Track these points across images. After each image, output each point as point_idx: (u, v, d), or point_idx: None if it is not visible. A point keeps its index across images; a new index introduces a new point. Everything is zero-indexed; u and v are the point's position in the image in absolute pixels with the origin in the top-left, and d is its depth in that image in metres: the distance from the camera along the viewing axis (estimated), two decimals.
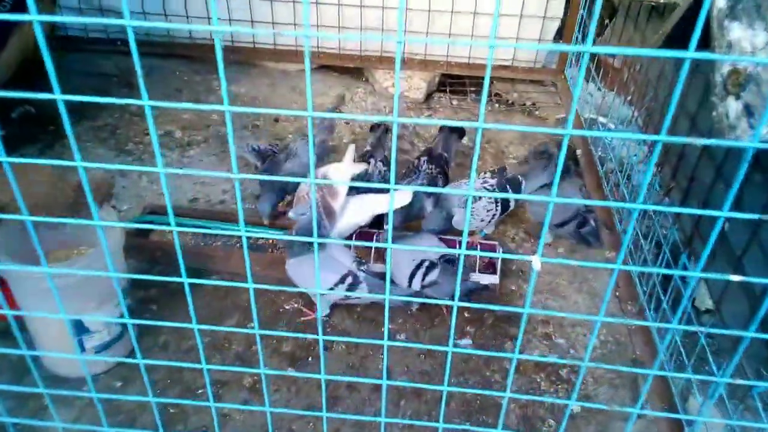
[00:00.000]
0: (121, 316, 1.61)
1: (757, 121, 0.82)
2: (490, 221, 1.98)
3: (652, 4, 1.68)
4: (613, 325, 1.79)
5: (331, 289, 1.70)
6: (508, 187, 1.99)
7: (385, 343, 0.83)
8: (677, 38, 1.08)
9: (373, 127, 2.25)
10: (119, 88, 2.75)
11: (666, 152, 1.58)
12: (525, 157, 2.32)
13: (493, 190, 1.95)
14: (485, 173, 2.03)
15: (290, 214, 1.80)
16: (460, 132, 2.26)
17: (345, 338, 1.71)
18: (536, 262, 0.82)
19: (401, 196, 1.86)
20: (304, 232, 1.75)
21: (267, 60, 2.95)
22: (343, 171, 1.91)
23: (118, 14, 2.85)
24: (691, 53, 0.64)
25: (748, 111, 0.85)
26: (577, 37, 2.67)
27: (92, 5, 2.85)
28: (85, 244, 1.67)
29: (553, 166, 2.00)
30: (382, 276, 1.71)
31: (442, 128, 2.25)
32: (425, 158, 2.07)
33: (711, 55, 0.65)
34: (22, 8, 2.07)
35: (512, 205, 2.01)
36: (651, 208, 0.68)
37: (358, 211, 1.90)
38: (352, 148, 2.00)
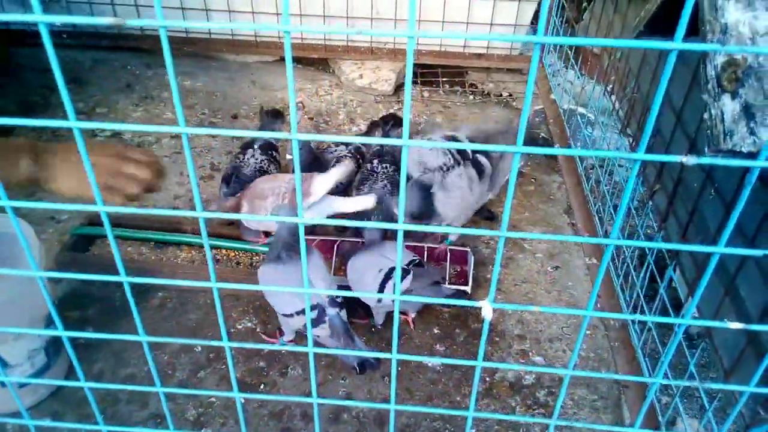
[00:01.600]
0: (46, 346, 1.44)
1: (759, 125, 0.66)
2: (471, 201, 1.80)
3: None
4: (595, 339, 1.64)
5: (290, 315, 1.52)
6: (477, 158, 1.81)
7: (394, 356, 0.67)
8: (661, 22, 0.92)
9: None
10: (66, 83, 2.54)
11: (650, 150, 1.42)
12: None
13: (456, 162, 1.76)
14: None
15: (267, 212, 1.66)
16: (396, 119, 2.14)
17: (366, 349, 1.54)
18: (486, 309, 0.66)
19: (365, 200, 1.72)
20: (287, 236, 1.58)
21: (224, 51, 2.75)
22: (326, 184, 1.72)
23: (59, 2, 2.65)
24: (678, 44, 0.48)
25: (748, 112, 0.69)
26: (555, 22, 2.50)
27: None
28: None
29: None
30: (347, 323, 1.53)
31: (374, 123, 2.17)
32: (376, 160, 1.92)
33: (703, 46, 0.49)
34: None
35: (487, 170, 1.83)
36: (636, 245, 0.52)
37: (320, 213, 1.74)
38: (338, 168, 1.80)
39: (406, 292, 1.57)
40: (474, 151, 1.78)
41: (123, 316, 1.69)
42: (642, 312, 1.39)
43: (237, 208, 1.77)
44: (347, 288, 1.67)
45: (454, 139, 1.82)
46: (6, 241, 1.45)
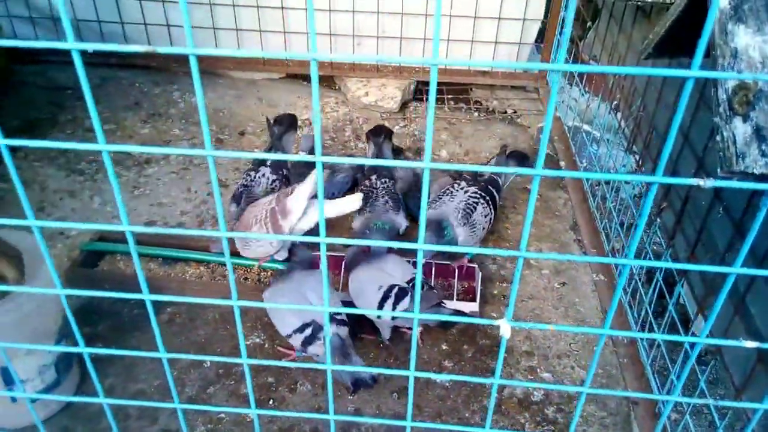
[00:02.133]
0: (56, 362, 1.45)
1: None
2: (488, 228, 1.85)
3: (638, 3, 1.54)
4: (603, 355, 1.64)
5: (289, 335, 1.54)
6: (490, 187, 1.86)
7: (411, 373, 0.68)
8: (670, 44, 0.94)
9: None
10: (74, 101, 2.57)
11: (656, 168, 1.44)
12: (493, 157, 2.16)
13: (481, 196, 1.82)
14: (458, 182, 1.88)
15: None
16: (388, 134, 2.18)
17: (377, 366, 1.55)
18: (504, 327, 0.67)
19: (351, 201, 1.74)
20: (303, 257, 1.65)
21: (231, 68, 2.78)
22: (303, 198, 1.73)
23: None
24: (695, 71, 0.50)
25: (759, 135, 0.70)
26: (558, 41, 2.53)
27: (44, 14, 2.67)
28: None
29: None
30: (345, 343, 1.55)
31: (368, 137, 2.18)
32: (374, 176, 1.95)
33: (720, 74, 0.50)
34: None
35: (498, 201, 1.91)
36: (656, 265, 0.54)
37: (301, 227, 1.76)
38: (310, 178, 1.83)
39: (406, 310, 1.58)
40: (491, 184, 1.84)
41: (132, 331, 1.70)
42: (651, 328, 1.39)
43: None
44: (352, 304, 1.68)
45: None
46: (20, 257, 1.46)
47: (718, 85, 0.74)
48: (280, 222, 1.70)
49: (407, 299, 1.58)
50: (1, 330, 1.28)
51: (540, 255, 0.57)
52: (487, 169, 0.55)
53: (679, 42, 0.93)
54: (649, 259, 1.49)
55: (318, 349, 1.51)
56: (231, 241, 1.88)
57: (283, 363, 0.70)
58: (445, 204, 1.80)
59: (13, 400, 1.43)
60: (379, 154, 2.08)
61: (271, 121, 2.11)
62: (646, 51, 0.99)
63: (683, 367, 1.33)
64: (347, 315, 1.57)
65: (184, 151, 0.58)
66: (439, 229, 1.72)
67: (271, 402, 1.55)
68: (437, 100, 2.75)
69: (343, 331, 1.53)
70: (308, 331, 1.50)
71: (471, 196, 1.81)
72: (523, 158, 2.02)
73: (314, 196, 1.70)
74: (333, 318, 1.52)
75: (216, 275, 1.88)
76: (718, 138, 0.73)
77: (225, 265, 1.89)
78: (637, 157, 1.61)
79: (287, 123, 2.08)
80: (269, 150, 2.03)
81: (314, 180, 1.74)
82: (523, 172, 0.55)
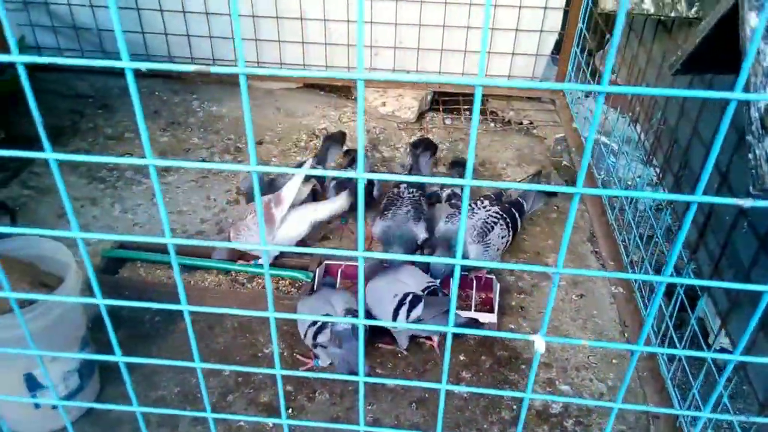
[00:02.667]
0: (80, 368, 1.47)
1: None
2: (503, 249, 1.86)
3: (660, 17, 1.55)
4: (623, 369, 1.64)
5: (305, 334, 1.58)
6: (513, 210, 1.87)
7: (443, 386, 0.68)
8: (697, 61, 0.95)
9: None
10: (94, 109, 2.60)
11: (677, 181, 1.44)
12: (527, 176, 2.19)
13: (501, 216, 1.83)
14: (481, 200, 1.90)
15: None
16: (432, 149, 2.19)
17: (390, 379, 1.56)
18: (539, 343, 0.68)
19: (341, 201, 1.83)
20: (326, 282, 1.79)
21: (249, 78, 2.80)
22: (294, 187, 1.81)
23: (91, 31, 2.72)
24: (738, 94, 0.50)
25: None
26: (575, 52, 2.54)
27: (65, 23, 2.71)
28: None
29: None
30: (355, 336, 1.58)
31: (411, 149, 2.20)
32: (403, 185, 1.96)
33: (762, 96, 0.51)
34: None
35: (519, 225, 1.91)
36: (695, 283, 0.54)
37: (295, 225, 1.84)
38: (308, 162, 1.98)
39: (419, 319, 1.59)
40: (515, 206, 1.86)
41: (153, 338, 1.72)
42: (671, 342, 1.39)
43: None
44: (368, 311, 1.70)
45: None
46: (45, 263, 1.49)
47: (750, 104, 0.74)
48: (273, 210, 1.79)
49: (421, 306, 1.59)
50: (25, 337, 1.29)
51: (577, 271, 0.57)
52: (534, 187, 0.56)
53: (707, 59, 0.94)
54: (671, 273, 1.49)
55: (324, 338, 1.56)
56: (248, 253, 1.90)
57: (318, 375, 0.71)
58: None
59: (36, 406, 1.45)
60: (415, 166, 2.10)
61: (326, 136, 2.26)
62: (674, 67, 1.00)
63: (710, 383, 1.32)
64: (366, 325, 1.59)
65: (232, 167, 0.60)
66: (448, 248, 1.75)
67: (290, 410, 1.56)
68: (453, 110, 2.76)
69: (357, 331, 1.56)
70: (319, 323, 1.57)
71: (491, 216, 1.82)
72: (551, 195, 2.06)
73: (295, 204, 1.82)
74: (351, 314, 1.58)
75: (235, 284, 1.89)
76: (750, 156, 0.74)
77: (240, 273, 1.90)
78: (657, 170, 1.61)
79: (334, 139, 2.22)
80: (318, 163, 2.11)
81: (300, 176, 1.83)
82: (564, 190, 0.56)
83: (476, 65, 2.72)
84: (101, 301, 0.72)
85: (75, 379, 1.45)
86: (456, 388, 0.70)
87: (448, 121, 2.70)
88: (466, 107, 2.77)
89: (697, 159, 1.32)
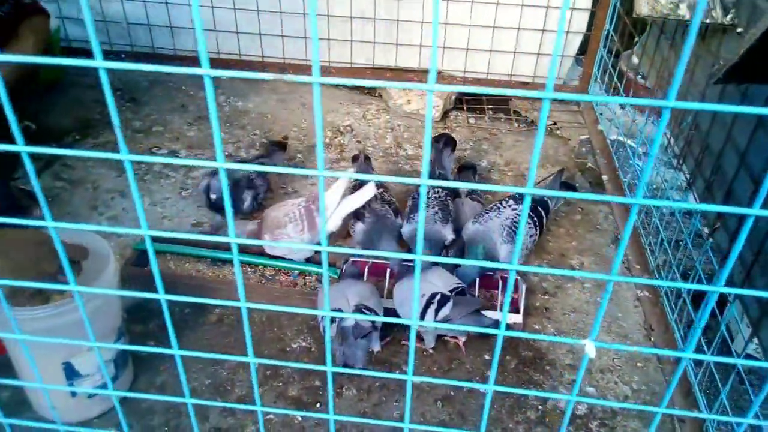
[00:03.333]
0: (115, 358, 1.50)
1: None
2: (531, 248, 1.88)
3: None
4: (647, 373, 1.65)
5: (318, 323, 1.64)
6: (539, 208, 1.89)
7: (490, 387, 0.71)
8: (740, 71, 0.96)
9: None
10: (123, 102, 2.64)
11: (709, 187, 1.45)
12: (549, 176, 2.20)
13: (528, 216, 1.84)
14: (506, 199, 1.91)
15: (290, 238, 1.80)
16: (452, 144, 2.19)
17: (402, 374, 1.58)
18: (590, 347, 0.70)
19: (367, 192, 1.86)
20: (351, 271, 1.79)
21: (276, 71, 2.83)
22: (338, 193, 1.86)
23: (120, 23, 2.75)
24: None
25: None
26: (602, 55, 2.54)
27: (94, 15, 2.74)
28: (81, 280, 1.57)
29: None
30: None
31: (433, 144, 2.18)
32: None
33: None
34: (12, 27, 1.95)
35: (545, 222, 1.93)
36: (744, 293, 0.55)
37: (331, 221, 1.86)
38: (344, 179, 1.92)
39: (447, 318, 1.61)
40: (540, 205, 1.87)
41: (183, 329, 1.75)
42: (700, 348, 1.40)
43: (258, 235, 1.86)
44: (393, 311, 1.72)
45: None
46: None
47: None
48: (317, 218, 1.82)
49: (449, 305, 1.61)
50: (70, 327, 1.32)
51: (630, 279, 0.59)
52: (592, 197, 0.57)
53: (748, 69, 0.95)
54: (698, 278, 1.50)
55: (332, 332, 1.60)
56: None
57: (373, 373, 0.73)
58: (492, 220, 1.82)
59: (73, 394, 1.48)
60: (437, 162, 2.10)
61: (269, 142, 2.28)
62: (716, 76, 1.00)
63: (734, 389, 1.33)
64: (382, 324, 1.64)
65: (296, 170, 0.61)
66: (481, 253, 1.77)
67: (318, 405, 1.58)
68: (477, 109, 2.77)
69: (365, 323, 1.58)
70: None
71: (519, 215, 1.84)
72: (571, 188, 2.06)
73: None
74: (360, 311, 1.60)
75: (263, 279, 1.92)
76: None
77: (267, 267, 1.93)
78: (687, 175, 1.62)
79: (280, 146, 2.26)
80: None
81: (345, 180, 1.87)
82: (622, 200, 0.58)
83: (503, 64, 2.73)
84: (162, 296, 0.74)
85: (111, 369, 1.49)
86: (505, 389, 0.72)
87: (472, 120, 2.71)
88: (490, 107, 2.78)
89: (731, 165, 1.33)
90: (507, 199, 1.92)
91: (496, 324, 1.67)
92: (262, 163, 2.09)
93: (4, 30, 1.97)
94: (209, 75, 0.57)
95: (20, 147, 0.60)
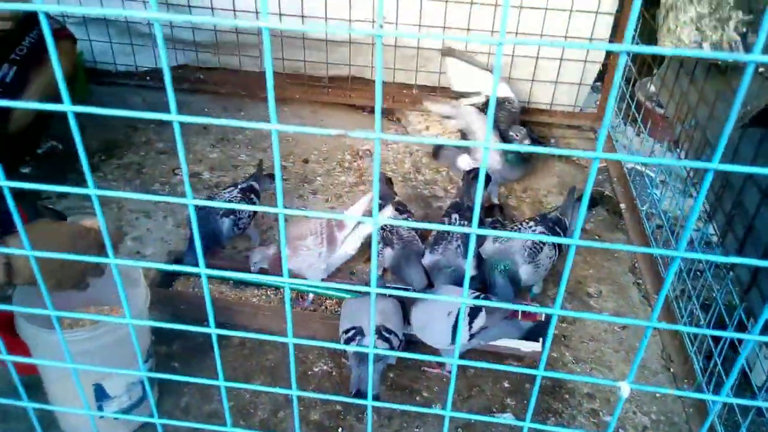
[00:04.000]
0: (143, 379, 1.53)
1: None
2: (549, 269, 1.90)
3: (718, 62, 1.58)
4: (666, 402, 1.66)
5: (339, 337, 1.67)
6: (557, 228, 1.91)
7: (527, 424, 0.73)
8: (765, 116, 0.98)
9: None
10: (147, 123, 2.69)
11: (719, 198, 1.47)
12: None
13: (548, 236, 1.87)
14: (527, 221, 1.94)
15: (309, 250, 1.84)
16: (486, 178, 2.22)
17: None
18: (625, 388, 0.72)
19: (386, 212, 1.90)
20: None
21: (297, 96, 2.88)
22: (360, 210, 1.90)
23: (144, 37, 2.81)
24: None
25: None
26: (620, 83, 2.57)
27: (122, 39, 2.81)
28: (111, 302, 1.61)
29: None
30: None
31: (465, 175, 2.19)
32: (456, 215, 1.99)
33: None
34: (40, 52, 2.02)
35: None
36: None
37: (352, 243, 1.90)
38: (367, 198, 1.95)
39: (483, 328, 1.63)
40: (557, 224, 1.89)
41: (207, 351, 1.77)
42: (719, 378, 1.42)
43: (277, 258, 1.88)
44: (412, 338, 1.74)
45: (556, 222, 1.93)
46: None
47: None
48: (336, 233, 1.86)
49: (482, 315, 1.62)
50: (101, 350, 1.36)
51: (663, 325, 0.61)
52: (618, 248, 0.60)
53: None
54: (719, 310, 1.52)
55: (350, 351, 1.64)
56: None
57: (412, 408, 0.76)
58: (513, 240, 1.84)
59: (101, 415, 1.51)
60: (467, 194, 2.10)
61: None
62: (742, 121, 1.03)
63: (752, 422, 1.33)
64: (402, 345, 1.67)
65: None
66: (510, 279, 1.78)
67: (340, 430, 1.60)
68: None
69: (383, 345, 1.61)
70: (350, 333, 1.64)
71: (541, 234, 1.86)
72: (593, 202, 2.07)
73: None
74: (379, 332, 1.62)
75: (283, 300, 1.94)
76: None
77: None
78: (707, 206, 1.64)
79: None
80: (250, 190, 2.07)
81: (369, 198, 1.90)
82: (667, 253, 0.60)
83: (522, 92, 2.77)
84: (213, 331, 0.77)
85: (138, 390, 1.51)
86: (538, 426, 0.74)
87: None
88: None
89: (738, 177, 1.35)
90: (527, 221, 1.95)
91: (530, 327, 1.70)
92: (251, 185, 2.07)
93: (34, 55, 2.04)
94: (276, 129, 0.61)
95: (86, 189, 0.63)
